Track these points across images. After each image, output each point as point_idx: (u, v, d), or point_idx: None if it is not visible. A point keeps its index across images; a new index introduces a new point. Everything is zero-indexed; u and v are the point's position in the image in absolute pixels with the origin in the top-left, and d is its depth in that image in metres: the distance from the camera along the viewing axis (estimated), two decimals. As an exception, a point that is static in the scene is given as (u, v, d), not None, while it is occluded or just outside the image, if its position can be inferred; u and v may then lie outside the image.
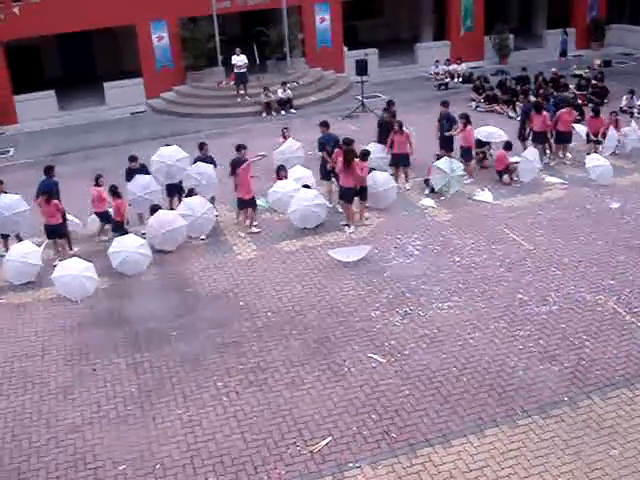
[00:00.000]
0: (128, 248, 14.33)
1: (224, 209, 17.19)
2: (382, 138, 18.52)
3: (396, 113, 19.28)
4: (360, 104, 25.78)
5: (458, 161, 17.55)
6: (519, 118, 20.31)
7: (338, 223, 15.98)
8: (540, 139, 18.86)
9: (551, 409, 9.72)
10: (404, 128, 17.78)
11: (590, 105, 23.85)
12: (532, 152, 17.97)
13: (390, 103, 19.80)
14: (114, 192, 15.35)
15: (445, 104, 18.99)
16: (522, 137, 19.43)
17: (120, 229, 15.30)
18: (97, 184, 15.80)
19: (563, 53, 32.19)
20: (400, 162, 17.85)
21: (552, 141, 19.20)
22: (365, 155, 15.83)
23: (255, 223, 16.18)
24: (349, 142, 15.78)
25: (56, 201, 14.90)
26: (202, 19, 28.97)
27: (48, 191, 15.00)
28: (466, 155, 18.16)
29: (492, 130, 19.15)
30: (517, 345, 11.18)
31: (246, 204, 15.99)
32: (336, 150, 16.34)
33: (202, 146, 17.10)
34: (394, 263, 14.15)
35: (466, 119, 18.03)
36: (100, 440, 9.73)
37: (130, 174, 16.38)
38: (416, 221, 16.01)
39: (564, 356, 10.83)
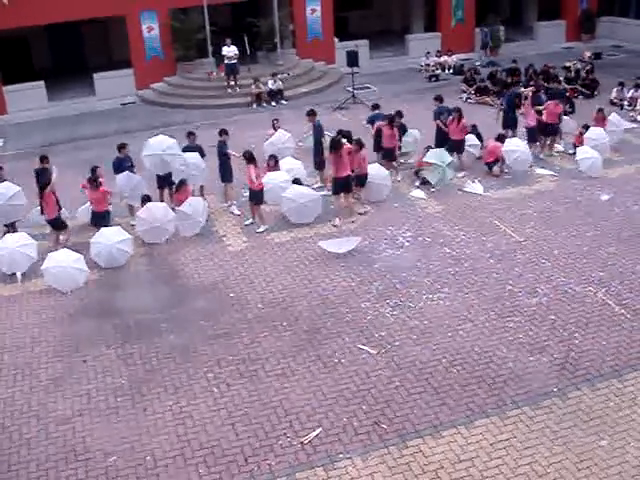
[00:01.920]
0: (107, 241, 14.27)
1: (214, 199, 17.15)
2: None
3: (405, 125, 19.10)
4: (351, 95, 25.74)
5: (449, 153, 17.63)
6: (502, 106, 20.13)
7: (329, 215, 15.97)
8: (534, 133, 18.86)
9: (541, 400, 9.77)
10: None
11: (580, 97, 24.05)
12: (516, 141, 18.03)
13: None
14: (95, 181, 15.07)
15: (439, 99, 18.95)
16: (506, 126, 19.46)
17: (102, 221, 15.10)
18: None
19: (484, 46, 31.97)
20: (388, 155, 17.80)
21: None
22: (360, 143, 15.97)
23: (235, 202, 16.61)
24: (346, 135, 16.20)
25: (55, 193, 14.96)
26: (193, 10, 28.82)
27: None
28: (457, 148, 18.12)
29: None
30: (507, 336, 11.22)
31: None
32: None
33: (190, 135, 17.07)
34: (384, 255, 14.16)
35: (459, 113, 17.96)
36: (90, 432, 9.72)
37: (118, 164, 16.29)
38: (407, 213, 16.02)
39: (554, 347, 10.87)
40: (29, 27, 27.72)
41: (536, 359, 10.63)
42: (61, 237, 15.17)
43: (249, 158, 15.47)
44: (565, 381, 10.12)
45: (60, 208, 15.29)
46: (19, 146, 23.59)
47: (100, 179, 15.35)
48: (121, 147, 16.46)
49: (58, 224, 15.13)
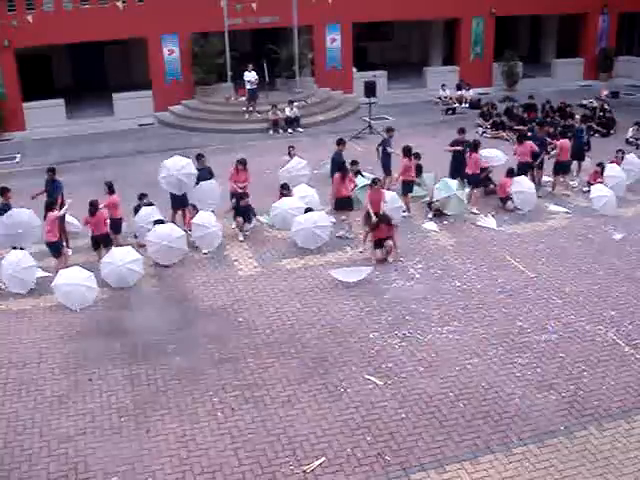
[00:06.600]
0: (118, 262, 14.27)
1: (226, 224, 17.19)
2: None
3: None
4: (367, 125, 25.86)
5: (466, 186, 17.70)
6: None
7: (338, 243, 16.00)
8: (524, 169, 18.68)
9: (547, 438, 9.67)
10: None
11: (596, 135, 24.05)
12: (521, 180, 17.99)
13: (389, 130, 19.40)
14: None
15: (462, 131, 19.00)
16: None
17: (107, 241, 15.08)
18: (110, 192, 15.58)
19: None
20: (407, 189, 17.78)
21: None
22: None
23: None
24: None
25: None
26: (213, 35, 29.17)
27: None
28: (472, 182, 18.07)
29: (493, 153, 19.35)
30: (515, 372, 11.14)
31: None
32: (336, 175, 16.49)
33: (200, 157, 17.14)
34: (395, 285, 14.14)
35: (475, 146, 17.99)
36: (93, 450, 9.68)
37: (138, 211, 16.34)
38: (418, 244, 16.00)
39: (562, 385, 10.79)
40: (52, 46, 28.08)
41: (544, 397, 10.54)
42: (54, 263, 14.81)
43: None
44: (572, 420, 10.02)
45: (64, 234, 15.55)
46: (35, 162, 23.76)
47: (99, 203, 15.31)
48: (142, 196, 16.55)
49: (55, 249, 14.76)
